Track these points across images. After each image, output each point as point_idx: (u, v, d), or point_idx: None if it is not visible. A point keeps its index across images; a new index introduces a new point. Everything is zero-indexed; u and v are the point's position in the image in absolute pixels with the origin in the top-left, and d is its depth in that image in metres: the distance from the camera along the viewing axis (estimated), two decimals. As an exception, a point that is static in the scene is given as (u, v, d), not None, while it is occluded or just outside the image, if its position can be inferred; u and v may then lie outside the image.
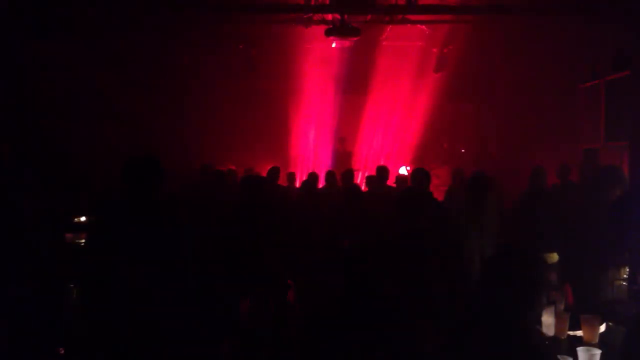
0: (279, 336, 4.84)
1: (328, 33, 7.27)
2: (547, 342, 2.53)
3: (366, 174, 8.88)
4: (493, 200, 4.98)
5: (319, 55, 9.94)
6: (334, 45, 8.45)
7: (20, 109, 6.58)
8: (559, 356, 2.35)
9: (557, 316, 2.82)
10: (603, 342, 2.63)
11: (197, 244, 4.24)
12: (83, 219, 5.95)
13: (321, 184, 7.22)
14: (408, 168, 10.84)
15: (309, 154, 12.29)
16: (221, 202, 5.37)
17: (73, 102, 8.12)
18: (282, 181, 8.19)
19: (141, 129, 9.84)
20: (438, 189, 8.70)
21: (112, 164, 7.89)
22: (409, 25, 8.06)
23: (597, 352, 2.33)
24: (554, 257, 4.21)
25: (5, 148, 5.86)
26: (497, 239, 4.58)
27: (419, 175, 5.00)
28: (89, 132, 8.74)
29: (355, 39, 7.47)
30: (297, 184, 8.58)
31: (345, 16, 7.19)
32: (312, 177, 7.01)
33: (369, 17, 7.64)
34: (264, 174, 8.13)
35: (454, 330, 2.06)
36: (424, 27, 8.54)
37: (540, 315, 2.28)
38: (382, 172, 6.72)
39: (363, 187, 7.34)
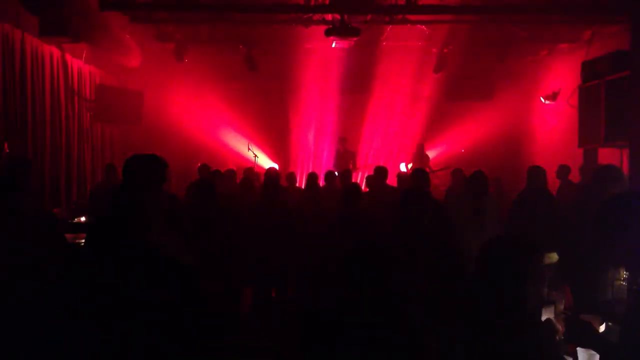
0: (278, 332, 4.85)
1: (328, 33, 7.26)
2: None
3: (366, 174, 8.88)
4: (493, 200, 4.98)
5: (319, 55, 9.94)
6: (334, 45, 8.44)
7: (20, 108, 6.57)
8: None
9: (557, 316, 2.82)
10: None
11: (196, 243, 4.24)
12: (83, 219, 5.95)
13: (321, 184, 7.23)
14: (410, 165, 10.85)
15: (308, 154, 12.30)
16: (220, 200, 5.36)
17: (73, 102, 8.12)
18: (282, 181, 8.19)
19: (141, 129, 9.86)
20: (438, 189, 8.71)
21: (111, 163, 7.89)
22: (408, 25, 8.05)
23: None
24: (554, 256, 4.20)
25: (5, 147, 5.86)
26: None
27: (419, 175, 5.00)
28: (89, 131, 8.75)
29: (355, 39, 7.46)
30: (296, 184, 8.58)
31: (345, 16, 7.18)
32: (313, 178, 7.02)
33: (369, 17, 7.63)
34: (263, 174, 8.15)
35: (454, 326, 2.07)
36: (423, 27, 8.53)
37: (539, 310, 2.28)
38: (382, 171, 6.72)
39: (363, 187, 7.35)
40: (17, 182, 3.40)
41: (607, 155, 7.41)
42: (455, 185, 7.39)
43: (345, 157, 10.74)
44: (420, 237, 3.16)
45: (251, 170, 8.88)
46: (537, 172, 5.28)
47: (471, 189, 4.76)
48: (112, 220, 2.19)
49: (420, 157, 10.58)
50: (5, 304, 2.83)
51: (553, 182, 7.76)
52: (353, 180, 7.28)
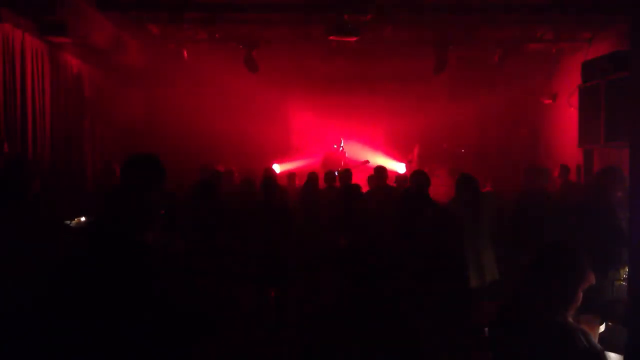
0: (278, 333, 4.85)
1: (328, 33, 7.26)
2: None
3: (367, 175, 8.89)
4: (492, 200, 4.98)
5: (319, 55, 9.95)
6: (334, 45, 8.44)
7: (20, 108, 6.57)
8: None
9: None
10: (603, 342, 2.62)
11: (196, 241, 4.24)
12: (83, 219, 5.94)
13: (321, 184, 7.23)
14: (405, 164, 10.88)
15: (308, 154, 12.31)
16: (220, 201, 5.37)
17: (71, 102, 8.12)
18: (282, 181, 8.21)
19: (141, 129, 9.86)
20: (438, 189, 8.71)
21: (110, 163, 7.91)
22: (409, 25, 8.05)
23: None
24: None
25: (5, 147, 5.86)
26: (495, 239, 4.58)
27: (418, 177, 4.99)
28: (87, 132, 8.75)
29: (355, 39, 7.46)
30: (296, 184, 8.58)
31: (345, 16, 7.18)
32: (313, 177, 7.02)
33: (369, 17, 7.62)
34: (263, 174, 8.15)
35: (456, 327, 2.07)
36: (424, 27, 8.53)
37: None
38: (382, 172, 6.73)
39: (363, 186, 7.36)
40: (19, 182, 3.41)
41: (607, 156, 7.41)
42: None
43: (339, 157, 10.79)
44: (418, 237, 3.16)
45: (251, 171, 8.87)
46: (536, 173, 5.28)
47: (462, 191, 4.75)
48: (108, 220, 2.19)
49: (418, 158, 10.61)
50: (4, 304, 2.82)
51: (553, 182, 7.76)
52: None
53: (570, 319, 2.05)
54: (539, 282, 2.05)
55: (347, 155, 11.30)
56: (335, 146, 11.42)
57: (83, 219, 5.89)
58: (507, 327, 2.10)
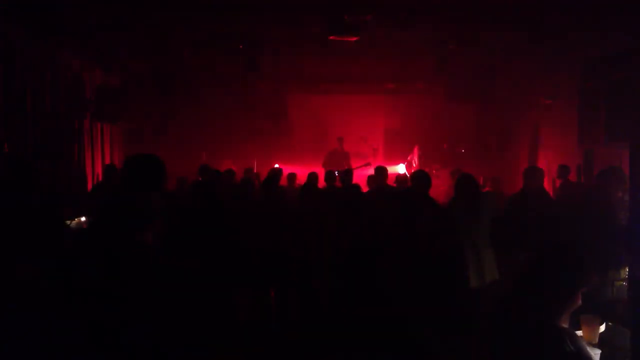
0: (278, 333, 4.85)
1: (328, 33, 7.26)
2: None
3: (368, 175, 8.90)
4: (492, 200, 4.98)
5: (319, 55, 9.95)
6: (333, 45, 8.43)
7: (21, 108, 6.57)
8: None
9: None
10: (603, 342, 2.63)
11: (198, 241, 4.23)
12: (83, 219, 5.95)
13: (321, 184, 7.23)
14: (405, 164, 10.87)
15: (308, 154, 12.32)
16: (220, 201, 5.37)
17: (71, 102, 8.12)
18: (282, 181, 8.20)
19: (141, 129, 9.87)
20: (438, 189, 8.73)
21: (110, 164, 7.91)
22: (409, 25, 8.04)
23: (597, 352, 2.33)
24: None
25: (5, 147, 5.86)
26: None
27: (419, 177, 4.99)
28: (87, 132, 8.75)
29: (355, 39, 7.46)
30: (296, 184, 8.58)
31: (345, 16, 7.18)
32: (313, 178, 7.02)
33: (369, 17, 7.62)
34: (263, 174, 8.16)
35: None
36: (424, 26, 8.52)
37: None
38: (382, 172, 6.73)
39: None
40: (19, 182, 3.41)
41: (607, 156, 7.42)
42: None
43: (340, 157, 10.79)
44: (419, 237, 3.17)
45: (251, 170, 8.88)
46: (533, 173, 5.28)
47: (460, 190, 4.75)
48: (108, 220, 2.20)
49: (418, 158, 10.60)
50: (4, 304, 2.83)
51: (553, 182, 7.77)
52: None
53: (568, 321, 2.04)
54: (538, 282, 2.04)
55: (348, 155, 11.30)
56: (336, 146, 11.42)
57: (83, 219, 5.90)
58: (505, 327, 2.09)
